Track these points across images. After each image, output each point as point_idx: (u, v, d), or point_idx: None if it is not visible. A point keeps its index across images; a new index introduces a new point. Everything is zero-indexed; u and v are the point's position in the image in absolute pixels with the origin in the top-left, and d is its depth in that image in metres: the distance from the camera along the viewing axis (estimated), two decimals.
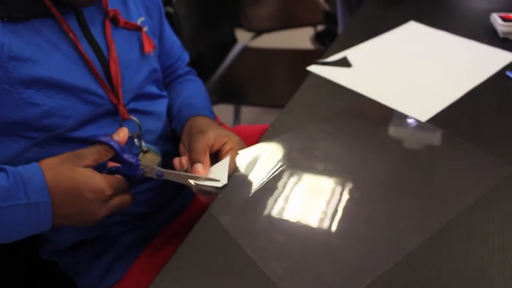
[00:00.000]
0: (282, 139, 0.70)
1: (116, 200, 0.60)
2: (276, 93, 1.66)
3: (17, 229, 0.55)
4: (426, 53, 0.96)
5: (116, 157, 0.60)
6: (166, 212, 0.81)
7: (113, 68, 0.70)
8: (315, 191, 0.60)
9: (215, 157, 0.68)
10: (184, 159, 0.67)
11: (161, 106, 0.83)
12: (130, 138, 0.74)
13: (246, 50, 1.84)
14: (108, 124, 0.71)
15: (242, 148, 0.70)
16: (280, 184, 0.62)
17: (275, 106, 1.74)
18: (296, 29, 2.12)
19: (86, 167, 0.58)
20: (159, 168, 0.61)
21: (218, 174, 0.62)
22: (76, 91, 0.65)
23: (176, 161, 0.68)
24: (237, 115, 1.83)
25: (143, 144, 0.76)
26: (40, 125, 0.63)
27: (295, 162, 0.65)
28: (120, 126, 0.72)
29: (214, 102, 1.57)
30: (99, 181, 0.57)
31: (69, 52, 0.64)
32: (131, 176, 0.61)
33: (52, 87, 0.62)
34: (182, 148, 0.75)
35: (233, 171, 0.65)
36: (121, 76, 0.71)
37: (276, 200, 0.59)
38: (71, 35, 0.64)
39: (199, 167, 0.62)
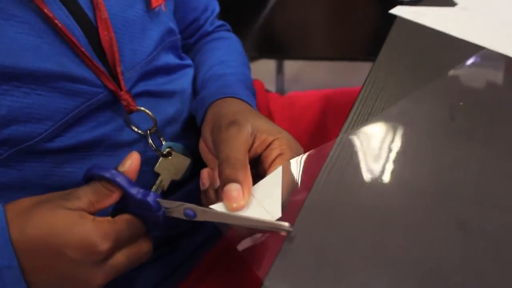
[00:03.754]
0: (366, 134, 0.44)
1: (123, 256, 0.38)
2: (323, 42, 1.38)
3: None
4: None
5: (124, 197, 0.39)
6: (196, 237, 0.58)
7: (105, 37, 0.46)
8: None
9: (253, 164, 0.43)
10: (207, 172, 0.44)
11: (184, 80, 0.58)
12: (143, 138, 0.51)
13: None
14: (107, 121, 0.48)
15: (296, 152, 0.43)
16: (369, 223, 0.37)
17: (323, 59, 1.48)
18: None
19: (76, 210, 0.37)
20: (189, 205, 0.38)
21: (267, 201, 0.38)
22: (49, 81, 0.42)
23: (203, 173, 0.45)
24: (279, 71, 1.56)
25: (163, 143, 0.53)
26: None
27: (393, 178, 0.40)
28: (126, 121, 0.49)
29: (253, 58, 1.32)
30: (87, 230, 0.36)
31: (31, 20, 0.41)
32: (147, 215, 0.39)
33: (6, 78, 0.39)
34: (203, 147, 0.49)
35: (288, 193, 0.40)
36: (118, 47, 0.47)
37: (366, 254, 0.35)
38: None
39: (233, 192, 0.37)
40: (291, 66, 1.68)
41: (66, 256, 0.35)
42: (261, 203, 0.38)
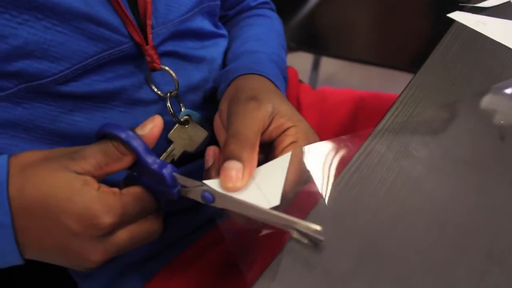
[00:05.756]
0: (401, 137, 0.39)
1: (126, 234, 0.34)
2: (366, 45, 1.33)
3: None
4: None
5: (138, 164, 0.35)
6: (199, 213, 0.55)
7: None
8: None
9: (265, 149, 0.39)
10: (212, 150, 0.39)
11: (215, 49, 0.55)
12: (161, 101, 0.48)
13: None
14: (127, 75, 0.45)
15: (311, 142, 0.38)
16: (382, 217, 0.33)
17: (363, 62, 1.42)
18: None
19: (81, 174, 0.33)
20: (208, 188, 0.34)
21: (266, 186, 0.34)
22: (73, 19, 0.39)
23: (208, 150, 0.40)
24: (315, 67, 1.52)
25: (182, 109, 0.50)
26: (10, 69, 0.38)
27: (407, 176, 0.36)
28: (147, 79, 0.46)
29: (291, 49, 1.28)
30: (90, 200, 0.32)
31: None
32: (161, 190, 0.35)
33: (27, 7, 0.37)
34: (217, 121, 0.44)
35: (295, 183, 0.36)
36: (152, 0, 0.44)
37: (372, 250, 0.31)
38: None
39: (232, 170, 0.33)
40: (327, 64, 1.63)
41: (63, 224, 0.32)
42: (260, 187, 0.34)
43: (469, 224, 0.32)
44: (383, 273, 0.28)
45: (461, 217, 0.32)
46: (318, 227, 0.29)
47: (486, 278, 0.28)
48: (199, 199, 0.34)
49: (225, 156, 0.35)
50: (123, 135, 0.33)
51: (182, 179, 0.34)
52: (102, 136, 0.34)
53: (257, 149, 0.36)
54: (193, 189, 0.34)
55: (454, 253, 0.30)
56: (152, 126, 0.35)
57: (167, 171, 0.33)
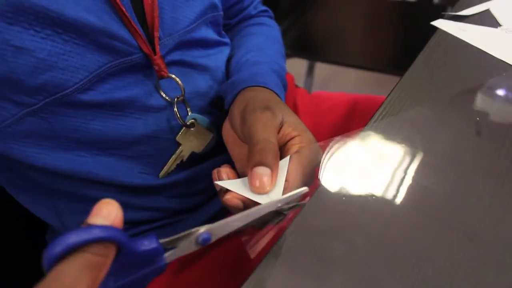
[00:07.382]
0: (385, 135, 0.44)
1: None
2: (357, 51, 1.38)
3: None
4: None
5: (121, 255, 0.26)
6: (204, 212, 0.59)
7: (148, 0, 0.47)
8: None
9: None
10: (216, 172, 0.42)
11: (219, 58, 0.59)
12: (170, 106, 0.52)
13: None
14: (137, 83, 0.49)
15: (315, 153, 0.42)
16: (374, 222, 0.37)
17: (355, 67, 1.47)
18: None
19: None
20: (203, 230, 0.30)
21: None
22: (89, 33, 0.43)
23: (217, 173, 0.42)
24: (310, 72, 1.56)
25: (189, 113, 0.54)
26: (35, 83, 0.42)
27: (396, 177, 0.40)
28: (155, 86, 0.50)
29: (287, 56, 1.33)
30: None
31: None
32: (141, 276, 0.28)
33: (49, 23, 0.41)
34: (226, 128, 0.47)
35: (299, 186, 0.39)
36: (159, 13, 0.48)
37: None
38: None
39: (263, 176, 0.36)
40: (321, 69, 1.68)
41: None
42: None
43: (448, 208, 0.36)
44: (373, 253, 0.33)
45: (441, 202, 0.37)
46: (305, 188, 0.34)
47: (462, 251, 0.32)
48: (191, 249, 0.30)
49: (255, 162, 0.37)
50: (99, 232, 0.24)
51: (169, 241, 0.29)
52: (56, 258, 0.23)
53: (278, 153, 0.39)
54: (183, 242, 0.30)
55: (435, 232, 0.34)
56: (116, 213, 0.26)
57: (155, 242, 0.27)
